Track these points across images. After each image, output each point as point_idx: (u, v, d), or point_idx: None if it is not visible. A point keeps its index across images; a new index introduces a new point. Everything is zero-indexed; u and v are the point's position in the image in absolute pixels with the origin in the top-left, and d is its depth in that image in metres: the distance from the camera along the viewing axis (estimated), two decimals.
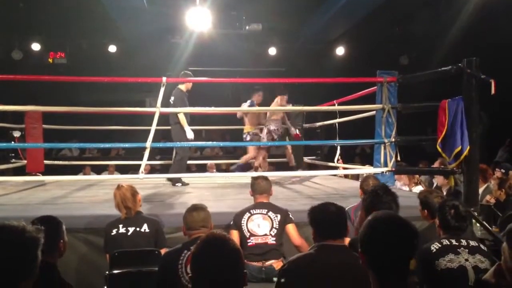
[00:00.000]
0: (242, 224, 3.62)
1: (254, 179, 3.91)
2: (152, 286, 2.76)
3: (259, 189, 3.81)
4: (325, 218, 2.51)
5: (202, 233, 2.77)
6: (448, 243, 2.88)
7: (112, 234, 3.43)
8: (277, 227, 3.60)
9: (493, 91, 4.47)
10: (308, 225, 2.64)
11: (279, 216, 3.64)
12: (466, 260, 2.81)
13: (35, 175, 6.56)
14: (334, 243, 2.45)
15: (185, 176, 6.27)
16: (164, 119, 6.07)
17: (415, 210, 3.75)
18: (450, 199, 3.13)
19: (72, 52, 11.75)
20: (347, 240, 3.33)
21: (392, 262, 1.57)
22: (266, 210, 3.67)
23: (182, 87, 6.11)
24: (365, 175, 4.88)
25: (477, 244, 2.90)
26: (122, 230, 3.42)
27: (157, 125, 4.99)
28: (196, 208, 2.96)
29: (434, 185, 6.67)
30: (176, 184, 6.14)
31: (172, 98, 6.09)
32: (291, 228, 3.66)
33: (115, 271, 3.19)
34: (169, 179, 6.36)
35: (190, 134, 5.92)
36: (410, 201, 4.31)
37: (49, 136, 7.37)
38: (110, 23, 10.08)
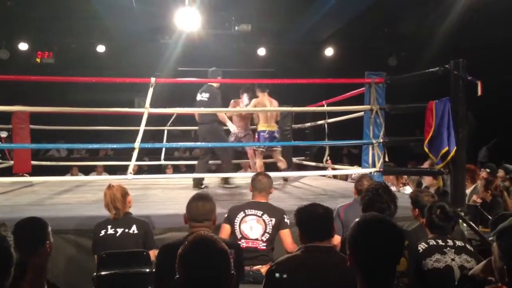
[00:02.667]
0: (235, 223, 3.56)
1: (255, 175, 3.83)
2: (140, 287, 2.75)
3: (259, 186, 3.71)
4: (312, 219, 2.50)
5: (204, 227, 2.67)
6: (435, 243, 2.91)
7: (101, 235, 3.41)
8: (269, 232, 3.53)
9: (479, 92, 4.53)
10: (295, 225, 2.65)
11: (273, 220, 3.56)
12: (453, 260, 2.84)
13: (22, 175, 6.51)
14: (321, 245, 2.46)
15: (174, 177, 6.24)
16: (153, 119, 6.04)
17: (404, 210, 3.79)
18: (438, 200, 3.16)
19: (60, 51, 11.66)
20: (337, 238, 3.36)
21: (379, 264, 1.59)
22: (261, 212, 3.58)
23: (215, 84, 6.04)
24: (359, 175, 4.91)
25: (463, 244, 2.94)
26: (110, 231, 3.41)
27: (146, 125, 4.97)
28: (202, 198, 2.82)
29: (423, 185, 6.72)
30: (225, 186, 6.05)
31: (206, 94, 5.94)
32: (285, 234, 3.58)
33: (103, 273, 3.17)
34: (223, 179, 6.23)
35: (234, 128, 6.08)
36: (399, 202, 4.34)
37: (37, 137, 7.30)
38: (98, 23, 10.02)
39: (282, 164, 6.52)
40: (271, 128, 6.30)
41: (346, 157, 11.84)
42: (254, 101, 6.24)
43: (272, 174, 6.44)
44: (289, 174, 6.67)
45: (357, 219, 1.70)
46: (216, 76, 6.09)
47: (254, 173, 3.94)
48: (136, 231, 3.42)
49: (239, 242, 3.51)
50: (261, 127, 6.29)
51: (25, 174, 6.61)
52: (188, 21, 8.21)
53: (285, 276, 2.30)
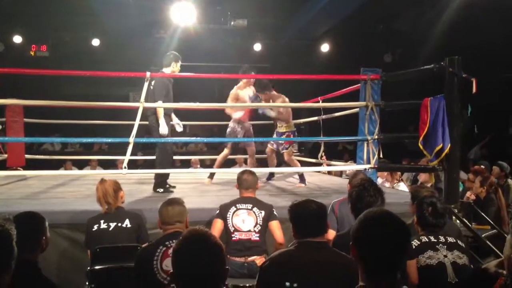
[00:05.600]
0: (228, 217, 3.64)
1: (241, 173, 3.91)
2: (134, 282, 2.75)
3: (245, 184, 3.81)
4: (305, 215, 2.51)
5: (177, 228, 2.83)
6: (427, 239, 2.93)
7: (94, 229, 3.41)
8: (261, 224, 3.63)
9: (474, 90, 4.54)
10: (289, 221, 2.66)
11: (263, 212, 3.66)
12: (445, 256, 2.86)
13: (16, 169, 6.47)
14: (314, 240, 2.47)
15: (171, 172, 6.20)
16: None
17: (397, 207, 3.81)
18: (429, 196, 3.17)
19: (54, 45, 11.57)
20: (331, 233, 3.37)
21: (384, 258, 1.56)
22: (251, 206, 3.69)
23: (168, 70, 5.43)
24: (353, 171, 4.92)
25: (454, 240, 2.96)
26: (103, 225, 3.41)
27: (141, 120, 4.95)
28: (172, 203, 2.95)
29: (419, 182, 6.73)
30: (158, 190, 5.27)
31: (153, 82, 5.22)
32: (274, 225, 3.66)
33: (97, 267, 3.17)
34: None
35: (163, 129, 5.13)
36: (392, 198, 4.37)
37: (31, 130, 7.27)
38: (93, 17, 9.95)
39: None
40: (292, 128, 6.29)
41: (341, 152, 11.85)
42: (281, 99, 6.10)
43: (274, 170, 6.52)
44: (284, 170, 6.68)
45: (364, 212, 1.66)
46: (173, 61, 5.48)
47: (240, 171, 3.98)
48: (129, 225, 3.43)
49: (233, 235, 3.59)
50: (289, 127, 6.22)
51: (18, 168, 6.57)
52: (183, 16, 8.21)
53: (287, 284, 2.30)
